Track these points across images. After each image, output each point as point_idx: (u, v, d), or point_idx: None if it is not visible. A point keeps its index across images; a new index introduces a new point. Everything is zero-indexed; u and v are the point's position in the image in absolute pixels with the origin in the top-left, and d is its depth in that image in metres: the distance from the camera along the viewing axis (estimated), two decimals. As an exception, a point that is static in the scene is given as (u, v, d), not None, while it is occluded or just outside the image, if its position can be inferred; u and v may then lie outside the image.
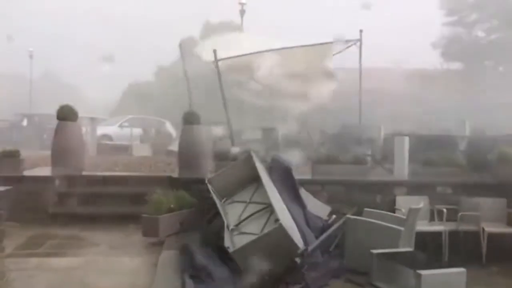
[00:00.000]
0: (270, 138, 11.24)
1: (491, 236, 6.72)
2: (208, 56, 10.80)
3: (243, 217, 5.66)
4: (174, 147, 9.79)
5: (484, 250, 6.72)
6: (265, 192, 5.67)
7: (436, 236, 6.84)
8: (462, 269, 4.88)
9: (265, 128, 11.93)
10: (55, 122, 8.50)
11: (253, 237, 5.18)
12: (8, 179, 6.68)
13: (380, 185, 7.57)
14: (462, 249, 6.75)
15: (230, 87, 11.69)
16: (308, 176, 7.77)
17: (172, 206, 6.36)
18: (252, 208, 5.78)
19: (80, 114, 8.71)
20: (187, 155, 8.05)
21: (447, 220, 6.94)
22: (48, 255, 5.75)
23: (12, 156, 7.96)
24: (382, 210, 6.53)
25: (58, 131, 8.35)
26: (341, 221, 6.33)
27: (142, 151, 14.55)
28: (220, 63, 10.82)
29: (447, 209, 7.00)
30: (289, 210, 5.97)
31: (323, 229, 6.29)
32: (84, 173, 8.41)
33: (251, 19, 22.57)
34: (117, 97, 32.21)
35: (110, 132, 18.34)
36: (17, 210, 6.50)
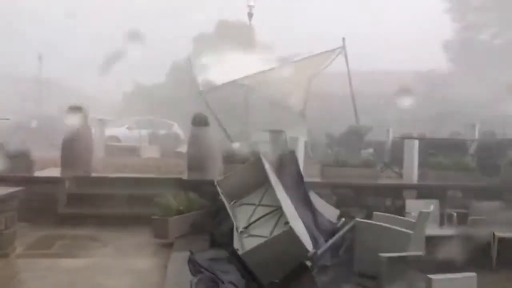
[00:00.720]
0: (278, 141, 11.23)
1: (502, 241, 6.66)
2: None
3: (252, 220, 5.65)
4: (182, 148, 9.82)
5: (494, 254, 6.67)
6: (274, 194, 5.66)
7: (446, 240, 6.79)
8: (473, 274, 4.84)
9: (273, 130, 11.93)
10: (64, 123, 8.55)
11: (262, 240, 5.17)
12: (19, 180, 6.73)
13: (389, 189, 7.56)
14: (472, 253, 6.70)
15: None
16: (317, 179, 7.77)
17: (181, 208, 6.38)
18: (261, 211, 5.76)
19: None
20: (196, 157, 8.06)
21: (458, 224, 6.89)
22: (58, 255, 5.79)
23: (23, 157, 8.02)
24: (392, 213, 6.51)
25: (68, 132, 8.40)
26: (350, 225, 6.30)
27: (150, 152, 14.59)
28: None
29: (457, 213, 6.95)
30: (298, 212, 5.95)
31: (333, 233, 6.26)
32: (93, 174, 8.45)
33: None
34: (124, 99, 32.30)
35: (118, 134, 18.41)
36: (27, 211, 6.53)
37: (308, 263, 5.09)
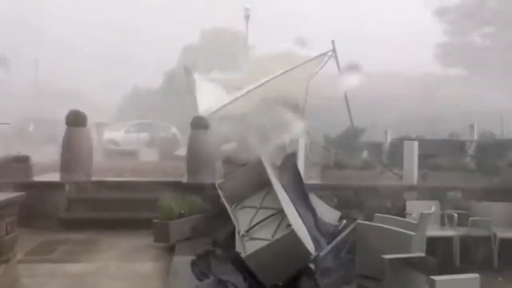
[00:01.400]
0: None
1: (503, 242, 6.68)
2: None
3: (254, 223, 5.65)
4: (181, 152, 9.80)
5: (495, 255, 6.68)
6: (276, 197, 5.66)
7: (446, 241, 6.81)
8: (475, 275, 4.84)
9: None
10: (63, 127, 8.52)
11: (264, 243, 5.17)
12: (19, 185, 6.70)
13: (390, 190, 7.55)
14: (473, 254, 6.71)
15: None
16: (317, 181, 7.77)
17: (182, 211, 6.37)
18: (263, 214, 5.76)
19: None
20: (196, 160, 8.06)
21: (458, 225, 6.90)
22: (60, 261, 5.76)
23: (22, 161, 7.99)
24: (392, 215, 6.51)
25: (67, 136, 8.37)
26: (352, 227, 6.30)
27: (149, 156, 14.58)
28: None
29: (457, 214, 6.97)
30: (300, 215, 5.96)
31: (334, 235, 6.27)
32: (93, 178, 8.42)
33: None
34: (122, 102, 32.26)
35: (117, 137, 18.38)
36: (27, 216, 6.50)
37: (311, 266, 5.08)
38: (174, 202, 6.42)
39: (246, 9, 22.96)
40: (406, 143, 8.20)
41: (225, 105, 10.10)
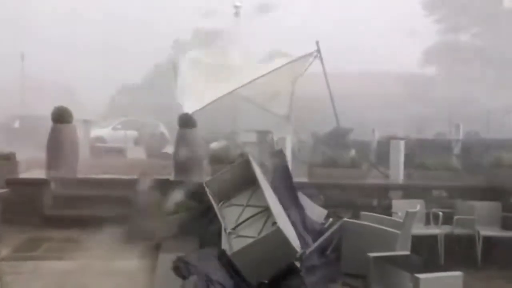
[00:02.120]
0: (265, 141, 11.25)
1: (486, 240, 6.77)
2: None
3: (240, 220, 5.65)
4: (169, 149, 9.77)
5: (479, 253, 6.76)
6: (262, 195, 5.66)
7: (431, 239, 6.88)
8: (459, 273, 4.91)
9: (260, 131, 11.94)
10: (48, 124, 8.44)
11: (250, 240, 5.17)
12: (3, 182, 6.63)
13: (376, 189, 7.61)
14: (458, 252, 6.79)
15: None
16: (304, 179, 7.80)
17: (169, 209, 6.35)
18: (249, 211, 5.76)
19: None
20: (183, 157, 8.04)
21: (443, 224, 6.98)
22: (44, 258, 5.72)
23: (7, 158, 7.91)
24: (378, 213, 6.56)
25: (52, 133, 8.30)
26: (338, 224, 6.33)
27: (136, 153, 14.49)
28: None
29: (442, 212, 7.04)
30: (287, 213, 5.97)
31: (320, 233, 6.29)
32: (79, 175, 8.36)
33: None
34: (109, 99, 32.08)
35: (104, 135, 18.23)
36: (12, 213, 6.45)
37: (297, 263, 5.10)
38: (161, 200, 6.40)
39: (237, 7, 23.00)
40: (392, 142, 8.26)
41: (210, 103, 10.12)
